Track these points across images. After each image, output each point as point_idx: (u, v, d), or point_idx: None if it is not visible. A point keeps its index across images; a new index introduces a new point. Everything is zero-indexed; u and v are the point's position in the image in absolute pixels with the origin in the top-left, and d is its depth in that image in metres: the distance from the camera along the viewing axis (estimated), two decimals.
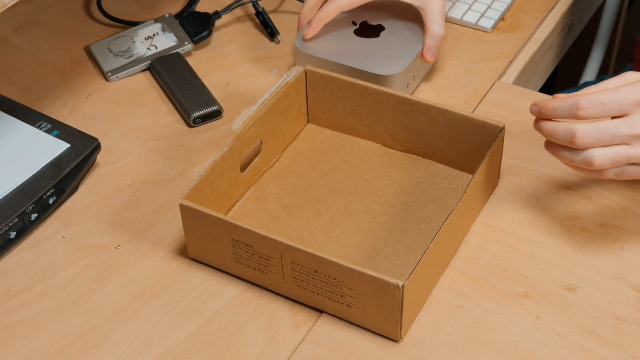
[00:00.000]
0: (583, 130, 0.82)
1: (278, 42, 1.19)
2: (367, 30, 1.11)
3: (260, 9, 1.19)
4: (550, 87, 1.73)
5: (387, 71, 1.05)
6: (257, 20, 1.23)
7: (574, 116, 0.82)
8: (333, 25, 1.10)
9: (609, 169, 0.84)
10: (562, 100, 0.83)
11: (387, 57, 1.07)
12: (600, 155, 0.82)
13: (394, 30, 1.10)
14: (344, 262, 0.82)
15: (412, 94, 1.10)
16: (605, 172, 0.84)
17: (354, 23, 1.12)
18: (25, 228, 0.95)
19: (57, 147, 1.00)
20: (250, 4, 1.22)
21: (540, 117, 0.85)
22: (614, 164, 0.83)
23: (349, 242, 0.94)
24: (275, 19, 1.23)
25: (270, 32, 1.18)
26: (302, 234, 0.95)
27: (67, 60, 1.20)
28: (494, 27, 1.21)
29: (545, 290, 0.89)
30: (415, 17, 1.11)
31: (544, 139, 0.88)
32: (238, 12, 1.26)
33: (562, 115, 0.83)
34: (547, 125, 0.85)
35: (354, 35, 1.10)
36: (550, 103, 0.84)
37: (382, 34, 1.10)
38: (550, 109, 0.84)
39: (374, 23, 1.11)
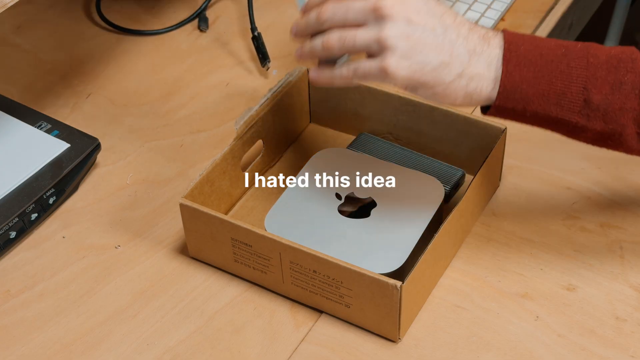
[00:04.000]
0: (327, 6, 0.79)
1: (267, 69, 1.16)
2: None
3: (256, 34, 1.17)
4: None
5: None
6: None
7: (319, 25, 0.80)
8: None
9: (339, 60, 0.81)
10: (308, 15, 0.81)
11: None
12: (333, 35, 0.79)
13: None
14: (342, 262, 0.82)
15: None
16: (339, 72, 0.81)
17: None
18: (25, 228, 0.95)
19: (57, 147, 1.00)
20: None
21: (299, 38, 0.82)
22: (341, 44, 0.79)
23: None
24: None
25: (262, 57, 1.17)
26: None
27: (67, 60, 1.20)
28: (494, 27, 1.20)
29: (545, 290, 0.89)
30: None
31: (544, 139, 0.88)
32: (238, 12, 1.26)
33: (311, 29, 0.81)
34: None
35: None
36: (302, 21, 0.82)
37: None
38: (302, 27, 0.82)
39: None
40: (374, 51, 0.78)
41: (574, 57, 0.78)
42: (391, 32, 0.77)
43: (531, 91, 0.78)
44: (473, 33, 0.79)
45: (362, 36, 0.78)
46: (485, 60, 0.78)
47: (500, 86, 0.78)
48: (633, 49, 0.80)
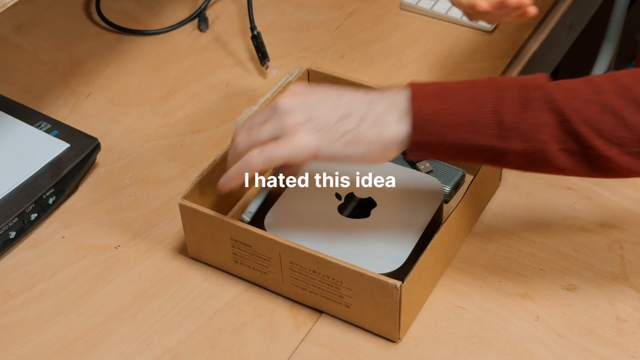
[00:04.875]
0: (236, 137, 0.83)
1: (267, 68, 1.16)
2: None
3: (255, 33, 1.18)
4: None
5: None
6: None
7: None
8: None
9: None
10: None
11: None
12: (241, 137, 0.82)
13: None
14: (342, 262, 0.82)
15: None
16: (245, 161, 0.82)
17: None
18: (25, 228, 0.95)
19: (57, 147, 1.00)
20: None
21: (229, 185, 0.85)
22: (248, 139, 0.81)
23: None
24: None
25: (262, 56, 1.17)
26: None
27: (67, 60, 1.20)
28: (494, 27, 1.20)
29: (545, 290, 0.89)
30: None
31: None
32: (238, 12, 1.26)
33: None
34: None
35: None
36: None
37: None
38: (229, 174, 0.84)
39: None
40: (279, 135, 0.80)
41: (480, 86, 0.78)
42: (291, 113, 0.80)
43: (443, 122, 0.77)
44: (369, 92, 0.81)
45: (266, 128, 0.81)
46: (387, 102, 0.79)
47: (412, 121, 0.77)
48: (542, 75, 0.79)
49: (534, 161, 0.78)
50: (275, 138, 0.80)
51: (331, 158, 0.80)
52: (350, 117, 0.79)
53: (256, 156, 0.81)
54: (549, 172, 0.80)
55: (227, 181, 0.84)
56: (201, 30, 1.24)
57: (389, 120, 0.78)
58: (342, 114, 0.79)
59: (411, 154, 0.79)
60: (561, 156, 0.77)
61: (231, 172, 0.83)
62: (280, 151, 0.80)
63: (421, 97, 0.78)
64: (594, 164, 0.77)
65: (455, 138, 0.77)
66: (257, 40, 1.16)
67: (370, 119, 0.78)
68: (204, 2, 1.26)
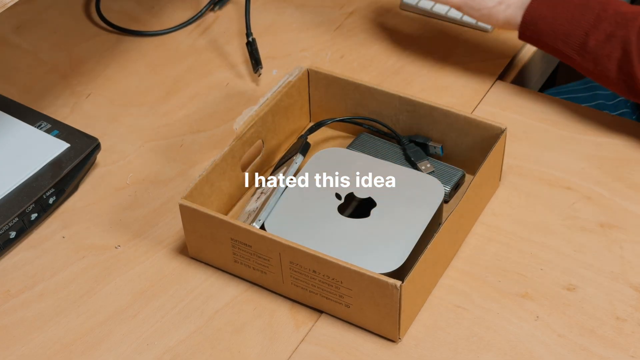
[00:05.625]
0: None
1: (259, 75, 1.16)
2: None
3: (250, 39, 1.17)
4: (550, 86, 1.73)
5: None
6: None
7: None
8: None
9: None
10: None
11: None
12: None
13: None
14: (342, 262, 0.82)
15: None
16: None
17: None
18: (25, 228, 0.95)
19: (57, 147, 1.00)
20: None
21: None
22: None
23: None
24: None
25: (255, 63, 1.16)
26: None
27: (67, 60, 1.20)
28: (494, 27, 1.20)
29: (545, 290, 0.89)
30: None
31: (544, 139, 0.88)
32: (238, 12, 1.26)
33: None
34: None
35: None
36: None
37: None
38: None
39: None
40: None
41: (590, 7, 0.99)
42: None
43: (544, 27, 1.01)
44: None
45: None
46: None
47: (522, 17, 1.02)
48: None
49: (596, 77, 1.01)
50: None
51: (468, 15, 1.06)
52: None
53: None
54: (605, 85, 1.02)
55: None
56: (214, 11, 1.23)
57: (516, 13, 1.03)
58: None
59: (519, 37, 1.04)
60: (619, 83, 0.99)
61: None
62: None
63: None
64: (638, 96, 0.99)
65: (549, 40, 1.02)
66: (251, 47, 1.16)
67: (504, 4, 1.03)
68: (205, 6, 1.26)
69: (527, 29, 1.02)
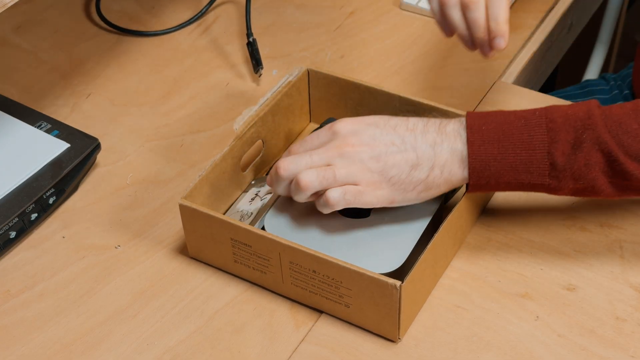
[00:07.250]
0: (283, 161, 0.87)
1: (260, 76, 1.15)
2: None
3: (251, 40, 1.17)
4: (550, 86, 1.73)
5: None
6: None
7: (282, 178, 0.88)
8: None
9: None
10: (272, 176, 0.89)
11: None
12: (306, 174, 0.85)
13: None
14: (341, 262, 0.82)
15: None
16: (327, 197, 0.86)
17: None
18: (25, 228, 0.96)
19: (57, 147, 1.00)
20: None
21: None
22: (319, 180, 0.85)
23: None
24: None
25: (256, 63, 1.16)
26: None
27: (67, 60, 1.20)
28: None
29: (545, 290, 0.89)
30: None
31: None
32: (239, 12, 1.26)
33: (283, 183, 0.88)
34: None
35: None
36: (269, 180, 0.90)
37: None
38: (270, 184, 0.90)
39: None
40: (356, 182, 0.86)
41: (534, 126, 0.84)
42: (353, 166, 0.85)
43: (499, 166, 0.84)
44: (428, 128, 0.86)
45: (339, 172, 0.85)
46: (448, 148, 0.85)
47: (469, 167, 0.85)
48: (591, 103, 0.85)
49: (584, 193, 0.86)
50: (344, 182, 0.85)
51: (404, 203, 0.87)
52: (420, 165, 0.85)
53: (338, 197, 0.85)
54: (598, 197, 0.87)
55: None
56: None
57: (454, 167, 0.85)
58: (412, 164, 0.85)
59: (470, 191, 0.87)
60: (609, 188, 0.85)
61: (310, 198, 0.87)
62: (362, 200, 0.85)
63: (478, 140, 0.84)
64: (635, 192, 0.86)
65: (510, 178, 0.85)
66: (252, 47, 1.16)
67: (437, 168, 0.85)
68: (206, 5, 1.26)
69: (480, 177, 0.84)
